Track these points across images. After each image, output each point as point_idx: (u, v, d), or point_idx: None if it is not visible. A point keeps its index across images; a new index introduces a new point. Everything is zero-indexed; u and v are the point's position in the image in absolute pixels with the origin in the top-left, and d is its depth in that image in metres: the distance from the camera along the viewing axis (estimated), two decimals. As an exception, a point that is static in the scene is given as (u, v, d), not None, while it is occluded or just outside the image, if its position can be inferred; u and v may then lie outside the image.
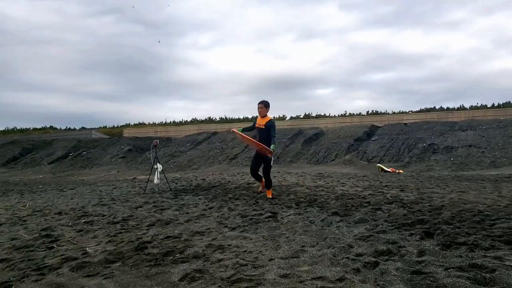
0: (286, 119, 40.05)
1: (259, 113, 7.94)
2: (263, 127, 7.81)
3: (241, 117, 43.83)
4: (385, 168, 16.65)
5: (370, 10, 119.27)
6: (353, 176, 13.61)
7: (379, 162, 19.01)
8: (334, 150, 22.40)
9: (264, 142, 7.73)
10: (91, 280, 3.71)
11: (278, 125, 32.86)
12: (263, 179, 8.46)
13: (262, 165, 8.20)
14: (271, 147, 7.58)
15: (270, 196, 8.03)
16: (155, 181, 10.82)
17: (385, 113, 36.24)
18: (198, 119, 47.39)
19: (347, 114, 38.14)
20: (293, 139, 25.43)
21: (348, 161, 20.39)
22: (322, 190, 9.30)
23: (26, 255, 4.74)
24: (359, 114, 36.70)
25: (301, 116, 41.13)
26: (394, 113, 35.67)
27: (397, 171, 16.40)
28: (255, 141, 7.98)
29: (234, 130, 8.47)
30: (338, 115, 39.05)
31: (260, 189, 8.85)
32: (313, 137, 25.33)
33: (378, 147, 21.66)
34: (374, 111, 38.96)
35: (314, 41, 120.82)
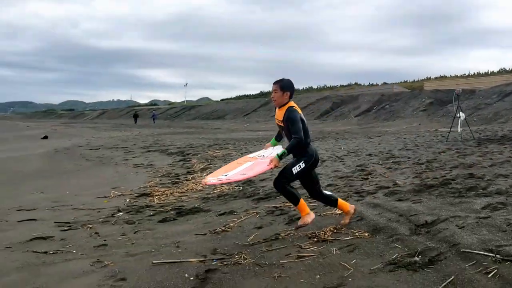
0: None
1: (273, 100, 4.21)
2: (281, 123, 4.13)
3: None
4: None
5: None
6: None
7: None
8: None
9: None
10: (402, 203, 4.56)
11: None
12: (340, 200, 4.28)
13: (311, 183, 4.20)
14: (280, 152, 3.96)
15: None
16: (458, 130, 10.88)
17: None
18: (508, 69, 41.82)
19: None
20: None
21: None
22: None
23: (347, 182, 6.08)
24: None
25: None
26: None
27: None
28: (243, 177, 4.12)
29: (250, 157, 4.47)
30: None
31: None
32: None
33: None
34: None
35: None
